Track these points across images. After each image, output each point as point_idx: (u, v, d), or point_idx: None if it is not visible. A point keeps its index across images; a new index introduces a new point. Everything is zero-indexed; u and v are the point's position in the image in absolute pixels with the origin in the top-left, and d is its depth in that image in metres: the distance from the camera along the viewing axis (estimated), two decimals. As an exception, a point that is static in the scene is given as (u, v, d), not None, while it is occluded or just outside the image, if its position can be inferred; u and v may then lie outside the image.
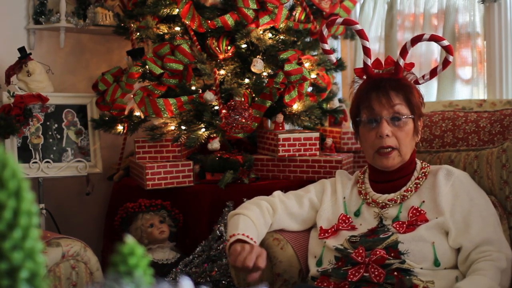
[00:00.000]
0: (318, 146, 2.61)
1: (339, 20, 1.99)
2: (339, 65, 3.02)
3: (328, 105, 2.97)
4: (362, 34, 1.95)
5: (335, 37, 3.31)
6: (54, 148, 2.70)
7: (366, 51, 1.93)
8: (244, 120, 2.49)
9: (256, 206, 1.92)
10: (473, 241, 1.71)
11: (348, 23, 2.05)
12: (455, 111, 2.30)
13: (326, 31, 2.01)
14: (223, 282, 2.31)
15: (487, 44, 2.77)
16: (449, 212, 1.77)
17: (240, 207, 1.94)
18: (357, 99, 1.90)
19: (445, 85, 2.88)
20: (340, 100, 3.14)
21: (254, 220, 1.85)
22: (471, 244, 1.70)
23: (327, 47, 2.05)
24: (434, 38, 1.90)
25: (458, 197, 1.80)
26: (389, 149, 1.83)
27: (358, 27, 1.97)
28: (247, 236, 1.76)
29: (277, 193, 2.01)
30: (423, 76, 1.96)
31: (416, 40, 1.89)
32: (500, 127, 2.15)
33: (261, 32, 2.63)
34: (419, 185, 1.86)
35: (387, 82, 1.85)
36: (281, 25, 2.71)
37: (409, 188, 1.86)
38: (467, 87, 2.86)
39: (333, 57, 2.12)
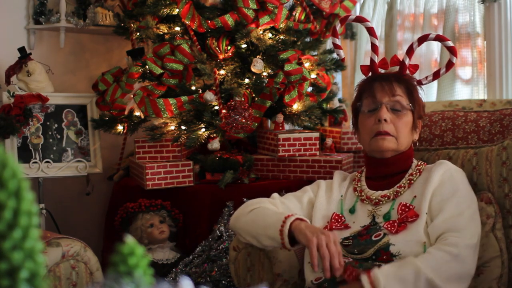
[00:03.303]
0: (318, 146, 2.61)
1: (352, 16, 2.07)
2: (339, 65, 3.02)
3: (328, 105, 2.98)
4: (372, 32, 2.00)
5: (335, 37, 3.31)
6: (54, 148, 2.70)
7: (375, 49, 1.97)
8: (244, 120, 2.49)
9: (267, 201, 1.91)
10: (437, 229, 1.70)
11: (360, 20, 2.09)
12: (455, 111, 2.30)
13: (340, 27, 2.06)
14: (223, 282, 2.31)
15: (487, 44, 2.77)
16: (430, 200, 1.76)
17: (252, 204, 1.88)
18: (360, 88, 1.95)
19: (445, 85, 2.88)
20: (340, 100, 3.14)
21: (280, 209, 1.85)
22: (435, 232, 1.70)
23: (338, 41, 2.08)
24: (439, 38, 1.97)
25: (442, 186, 1.79)
26: (386, 133, 1.84)
27: (369, 24, 2.02)
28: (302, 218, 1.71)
29: (276, 195, 2.02)
30: (426, 77, 1.99)
31: (422, 39, 1.94)
32: (500, 126, 2.15)
33: (261, 32, 2.63)
34: (412, 181, 1.86)
35: (391, 75, 1.91)
36: (281, 25, 2.71)
37: (402, 184, 1.86)
38: (467, 87, 2.86)
39: (342, 53, 2.13)
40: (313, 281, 1.78)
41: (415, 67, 1.95)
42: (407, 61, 1.92)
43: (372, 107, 1.87)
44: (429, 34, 1.94)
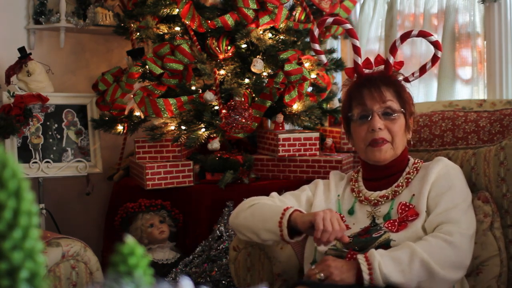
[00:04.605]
0: (318, 146, 2.61)
1: (330, 19, 2.00)
2: (339, 65, 3.02)
3: (328, 105, 2.98)
4: (352, 33, 1.96)
5: (335, 37, 3.32)
6: (54, 148, 2.70)
7: (356, 50, 1.94)
8: (244, 120, 2.49)
9: (265, 198, 1.91)
10: (432, 222, 1.71)
11: (338, 22, 2.05)
12: (455, 111, 2.30)
13: (317, 31, 2.01)
14: (223, 282, 2.31)
15: (487, 44, 2.77)
16: (427, 198, 1.78)
17: (250, 200, 1.88)
18: (348, 96, 1.91)
19: (445, 85, 2.88)
20: (340, 100, 3.14)
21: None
22: (431, 225, 1.71)
23: (317, 47, 2.05)
24: (422, 34, 1.94)
25: (438, 181, 1.79)
26: (382, 141, 1.83)
27: (348, 26, 1.98)
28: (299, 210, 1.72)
29: (275, 194, 2.02)
30: (412, 74, 1.98)
31: (405, 36, 1.92)
32: (500, 126, 2.15)
33: (261, 32, 2.63)
34: (410, 180, 1.86)
35: (378, 78, 1.87)
36: (281, 25, 2.71)
37: (400, 183, 1.85)
38: (467, 87, 2.86)
39: (324, 58, 2.11)
40: None
41: (400, 64, 1.94)
42: (391, 60, 1.90)
43: (363, 115, 1.85)
44: (412, 31, 1.92)
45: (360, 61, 1.93)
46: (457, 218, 1.71)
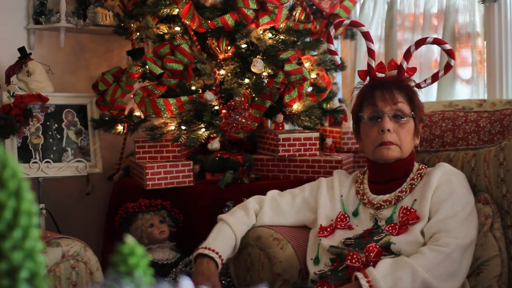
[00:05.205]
0: (318, 146, 2.61)
1: (347, 21, 2.03)
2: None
3: (328, 105, 2.98)
4: (367, 37, 1.98)
5: (335, 37, 3.31)
6: (54, 148, 2.70)
7: (371, 53, 1.95)
8: (244, 120, 2.49)
9: (252, 206, 2.00)
10: (430, 229, 1.72)
11: (355, 24, 2.07)
12: (455, 111, 2.30)
13: (334, 32, 2.04)
14: (223, 282, 2.31)
15: (487, 44, 2.77)
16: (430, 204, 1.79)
17: (233, 211, 2.01)
18: (360, 97, 1.93)
19: (445, 85, 2.88)
20: (340, 100, 3.14)
21: (232, 227, 1.93)
22: (429, 232, 1.72)
23: (332, 47, 2.06)
24: (437, 42, 1.97)
25: (439, 188, 1.81)
26: (390, 144, 1.84)
27: (364, 29, 2.00)
28: (213, 250, 1.84)
29: (271, 192, 2.05)
30: (424, 80, 2.00)
31: (420, 43, 1.93)
32: (500, 127, 2.15)
33: (261, 32, 2.63)
34: (414, 186, 1.87)
35: (390, 81, 1.90)
36: (281, 25, 2.71)
37: (404, 189, 1.87)
38: (467, 87, 2.86)
39: (338, 58, 2.13)
40: (316, 272, 1.81)
41: (413, 70, 1.95)
42: (404, 65, 1.92)
43: (374, 116, 1.87)
44: (427, 38, 1.94)
45: (374, 64, 1.94)
46: (456, 227, 1.72)
